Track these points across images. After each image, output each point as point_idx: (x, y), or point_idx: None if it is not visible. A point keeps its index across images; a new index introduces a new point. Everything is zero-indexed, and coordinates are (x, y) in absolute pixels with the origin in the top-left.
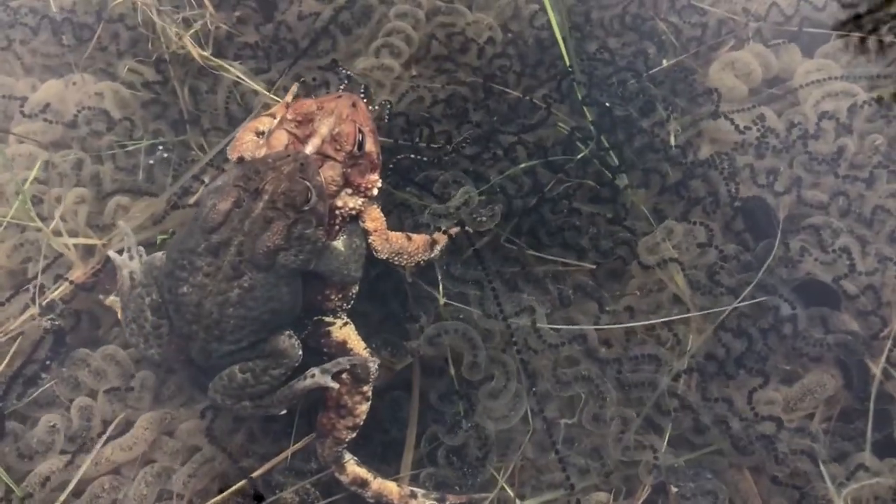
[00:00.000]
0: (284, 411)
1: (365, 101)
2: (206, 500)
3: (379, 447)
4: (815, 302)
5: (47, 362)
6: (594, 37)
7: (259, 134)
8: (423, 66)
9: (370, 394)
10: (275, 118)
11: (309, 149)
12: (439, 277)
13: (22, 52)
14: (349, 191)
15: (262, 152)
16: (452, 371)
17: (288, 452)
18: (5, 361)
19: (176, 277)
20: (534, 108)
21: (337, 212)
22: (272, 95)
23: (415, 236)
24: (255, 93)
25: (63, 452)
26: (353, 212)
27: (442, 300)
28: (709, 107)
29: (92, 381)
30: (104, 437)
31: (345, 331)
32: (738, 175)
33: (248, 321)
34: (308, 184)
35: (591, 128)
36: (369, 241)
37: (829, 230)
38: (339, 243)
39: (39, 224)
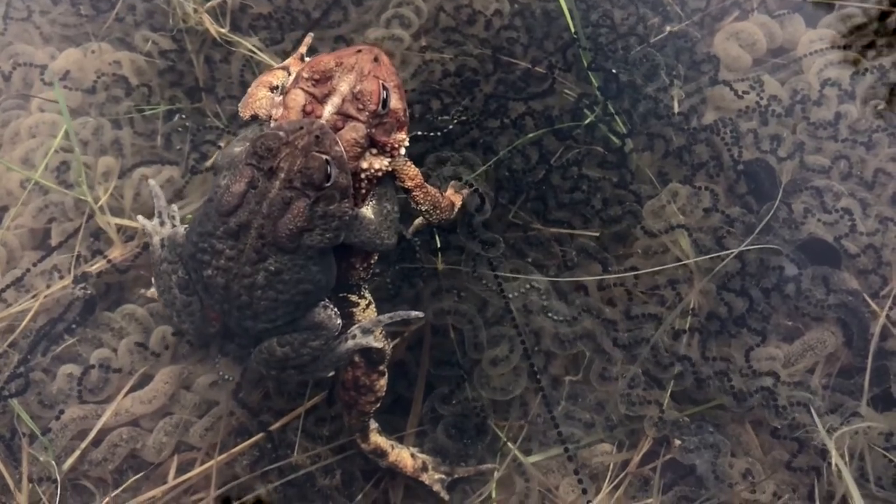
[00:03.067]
0: (332, 373)
1: None
2: (223, 453)
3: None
4: (817, 261)
5: (73, 326)
6: (599, 7)
7: (273, 89)
8: (432, 37)
9: (385, 369)
10: (287, 72)
11: (329, 109)
12: (438, 245)
13: (41, 22)
14: (374, 151)
15: (279, 112)
16: (453, 336)
17: (301, 410)
18: (28, 317)
19: (199, 261)
20: (541, 78)
21: (362, 175)
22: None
23: (445, 193)
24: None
25: (83, 403)
26: (380, 173)
27: (440, 266)
28: (710, 74)
29: (113, 340)
30: (125, 390)
31: (368, 313)
32: (742, 140)
33: (279, 303)
34: (326, 157)
35: (598, 93)
36: (411, 197)
37: (830, 193)
38: (368, 211)
39: (89, 199)
